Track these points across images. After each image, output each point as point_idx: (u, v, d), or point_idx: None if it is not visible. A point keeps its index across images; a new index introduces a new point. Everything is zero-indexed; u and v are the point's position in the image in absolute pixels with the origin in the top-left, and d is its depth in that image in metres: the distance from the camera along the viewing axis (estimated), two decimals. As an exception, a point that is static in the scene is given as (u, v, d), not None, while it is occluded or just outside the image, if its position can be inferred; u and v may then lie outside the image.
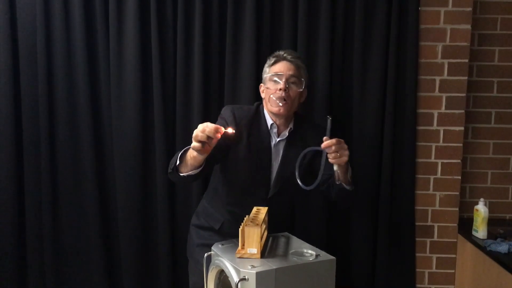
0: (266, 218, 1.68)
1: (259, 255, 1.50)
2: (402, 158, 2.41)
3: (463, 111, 2.40)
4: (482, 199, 2.33)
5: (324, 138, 1.65)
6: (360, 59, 2.32)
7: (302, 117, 2.03)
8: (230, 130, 1.60)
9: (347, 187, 1.77)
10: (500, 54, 2.51)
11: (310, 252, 1.54)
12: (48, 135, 2.38)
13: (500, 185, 2.60)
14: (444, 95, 2.39)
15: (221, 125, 1.56)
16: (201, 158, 1.60)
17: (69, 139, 2.40)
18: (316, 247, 1.61)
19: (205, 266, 1.63)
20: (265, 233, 1.67)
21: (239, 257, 1.50)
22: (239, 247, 1.54)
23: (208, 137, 1.51)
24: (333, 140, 1.63)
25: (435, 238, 2.47)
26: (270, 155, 1.91)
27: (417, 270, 2.49)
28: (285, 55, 1.90)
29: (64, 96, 2.37)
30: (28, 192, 2.42)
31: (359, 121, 2.37)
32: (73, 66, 2.36)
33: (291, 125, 1.94)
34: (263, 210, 1.68)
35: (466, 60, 2.37)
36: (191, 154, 1.62)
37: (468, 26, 2.34)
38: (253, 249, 1.50)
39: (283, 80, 1.85)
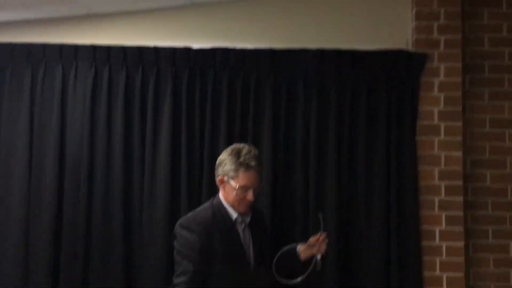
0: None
1: None
2: (409, 272, 2.59)
3: (462, 228, 2.63)
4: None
5: (321, 233, 2.17)
6: (364, 185, 2.63)
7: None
8: None
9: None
10: (491, 176, 2.78)
11: None
12: (85, 233, 2.61)
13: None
14: (443, 214, 2.64)
15: (196, 250, 1.94)
16: None
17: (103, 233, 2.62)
18: None
19: None
20: None
21: None
22: None
23: None
24: (326, 234, 2.18)
25: None
26: (242, 245, 2.10)
27: None
28: (253, 164, 2.04)
29: (101, 201, 2.64)
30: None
31: (365, 240, 2.61)
32: (111, 174, 2.66)
33: (250, 213, 2.15)
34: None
35: (461, 183, 2.66)
36: None
37: (460, 153, 2.67)
38: None
39: (251, 191, 2.05)
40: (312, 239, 2.23)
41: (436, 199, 2.66)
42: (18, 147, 2.67)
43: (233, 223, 2.10)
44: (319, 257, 2.18)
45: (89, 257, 2.61)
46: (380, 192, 2.61)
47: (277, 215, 2.62)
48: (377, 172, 2.63)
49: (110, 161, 2.67)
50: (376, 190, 2.62)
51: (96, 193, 2.65)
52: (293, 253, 2.26)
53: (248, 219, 2.14)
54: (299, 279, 2.17)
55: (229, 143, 2.54)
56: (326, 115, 2.66)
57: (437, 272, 2.63)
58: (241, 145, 2.13)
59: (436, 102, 2.69)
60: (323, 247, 2.19)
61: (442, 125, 2.68)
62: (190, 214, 2.15)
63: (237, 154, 2.06)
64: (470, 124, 2.79)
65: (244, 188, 2.04)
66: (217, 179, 2.13)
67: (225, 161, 2.08)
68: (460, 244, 2.64)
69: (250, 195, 2.05)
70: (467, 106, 2.79)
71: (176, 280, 1.98)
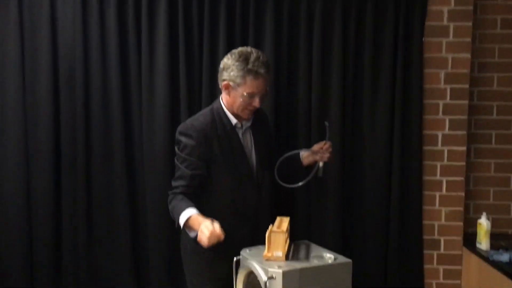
0: (289, 227, 1.87)
1: (284, 258, 1.69)
2: (409, 176, 2.60)
3: (465, 132, 2.60)
4: (484, 213, 2.51)
5: (325, 142, 2.16)
6: (370, 86, 2.55)
7: None
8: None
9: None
10: (498, 80, 2.71)
11: (329, 255, 1.73)
12: (83, 132, 2.58)
13: (502, 201, 2.77)
14: (447, 118, 2.60)
15: (194, 155, 1.95)
16: None
17: (103, 138, 2.60)
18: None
19: (234, 270, 1.82)
20: (288, 241, 1.86)
21: (266, 260, 1.70)
22: (266, 251, 1.73)
23: None
24: (330, 143, 2.17)
25: (442, 251, 2.65)
26: (243, 149, 2.08)
27: (426, 281, 2.65)
28: (262, 71, 1.93)
29: (98, 101, 2.58)
30: (65, 200, 2.63)
31: (369, 144, 2.59)
32: (108, 82, 2.58)
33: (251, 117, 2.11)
34: (286, 220, 1.88)
35: (467, 86, 2.58)
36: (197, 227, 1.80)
37: (468, 55, 2.57)
38: (279, 252, 1.69)
39: (258, 97, 1.97)
40: (315, 146, 2.22)
41: (441, 103, 2.60)
42: (10, 55, 2.57)
43: (232, 127, 2.06)
44: (321, 164, 2.18)
45: (90, 169, 2.62)
46: (385, 95, 2.55)
47: (280, 122, 2.58)
48: (383, 76, 2.54)
49: (106, 71, 2.58)
50: (381, 93, 2.55)
51: (93, 102, 2.59)
52: (296, 158, 2.25)
53: (248, 123, 2.11)
54: (300, 183, 2.19)
55: (229, 47, 2.45)
56: (331, 15, 2.52)
57: (437, 176, 2.64)
58: (248, 49, 1.98)
59: (446, 1, 2.54)
60: (327, 155, 2.18)
61: (451, 26, 2.56)
62: (188, 121, 2.08)
63: (245, 60, 1.93)
64: (480, 25, 2.67)
65: (251, 95, 1.97)
66: (222, 84, 2.02)
67: (231, 66, 1.95)
68: (462, 148, 2.62)
69: (256, 102, 1.99)
70: (478, 5, 2.66)
71: (175, 183, 2.00)
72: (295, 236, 1.96)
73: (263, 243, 1.75)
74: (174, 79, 2.57)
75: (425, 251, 2.65)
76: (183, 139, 2.01)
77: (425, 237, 2.65)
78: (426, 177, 2.63)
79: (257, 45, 2.49)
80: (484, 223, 2.47)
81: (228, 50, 2.34)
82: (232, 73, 1.95)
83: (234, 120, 2.06)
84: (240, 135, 2.08)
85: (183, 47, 2.54)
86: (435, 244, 2.65)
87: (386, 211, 2.60)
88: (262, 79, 1.96)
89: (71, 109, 2.60)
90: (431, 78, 2.59)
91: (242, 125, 2.09)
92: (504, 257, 2.27)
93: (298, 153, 2.25)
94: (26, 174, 2.61)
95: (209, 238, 1.72)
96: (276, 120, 2.56)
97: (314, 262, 1.68)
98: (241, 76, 1.93)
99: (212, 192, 2.06)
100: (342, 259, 1.72)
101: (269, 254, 1.71)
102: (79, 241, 2.63)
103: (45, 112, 2.58)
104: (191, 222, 1.85)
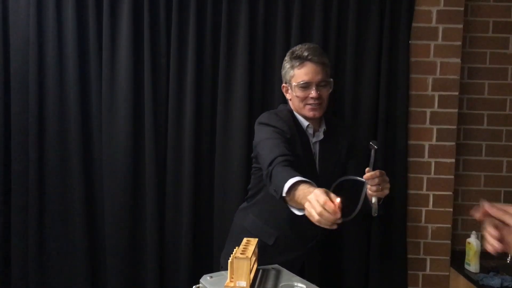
0: (256, 250, 1.65)
1: (248, 289, 1.47)
2: (393, 190, 2.38)
3: (454, 143, 2.41)
4: (474, 232, 2.32)
5: (367, 169, 1.55)
6: (352, 92, 2.34)
7: (331, 118, 2.03)
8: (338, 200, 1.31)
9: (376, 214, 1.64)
10: (489, 87, 2.54)
11: (300, 285, 1.51)
12: (37, 141, 2.38)
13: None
14: (435, 127, 2.41)
15: (277, 136, 1.71)
16: None
17: (58, 145, 2.41)
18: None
19: (193, 300, 1.59)
20: (255, 266, 1.64)
21: (228, 291, 1.47)
22: (228, 280, 1.51)
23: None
24: (377, 172, 1.52)
25: (427, 271, 2.45)
26: (313, 155, 1.86)
27: (410, 303, 2.46)
28: (309, 56, 1.79)
29: (54, 103, 2.39)
30: (15, 197, 2.42)
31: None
32: (65, 75, 2.39)
33: (323, 126, 1.90)
34: (253, 242, 1.65)
35: (456, 93, 2.40)
36: (305, 200, 1.38)
37: (458, 60, 2.38)
38: (242, 282, 1.47)
39: (313, 87, 1.79)
40: (367, 174, 1.57)
41: (428, 111, 2.41)
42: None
43: (303, 131, 1.85)
44: (373, 199, 1.60)
45: (43, 174, 2.42)
46: (368, 103, 2.34)
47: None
48: (366, 82, 2.34)
49: (62, 69, 2.39)
50: (364, 100, 2.35)
51: (48, 102, 2.40)
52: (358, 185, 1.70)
53: (319, 137, 1.88)
54: (344, 219, 1.50)
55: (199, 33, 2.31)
56: (310, 13, 2.32)
57: (424, 190, 2.44)
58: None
59: (435, 1, 2.36)
60: (374, 188, 1.57)
61: (440, 28, 2.36)
62: (267, 112, 1.90)
63: (291, 53, 1.86)
64: (471, 27, 2.49)
65: (303, 85, 1.79)
66: (283, 91, 1.94)
67: (283, 67, 1.89)
68: (451, 160, 2.43)
69: (312, 92, 1.78)
70: (469, 7, 2.49)
71: (266, 161, 1.64)
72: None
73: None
74: (138, 76, 2.36)
75: (410, 272, 2.45)
76: (266, 123, 1.80)
77: (410, 256, 2.45)
78: (411, 191, 2.43)
79: (231, 31, 2.32)
80: (473, 243, 2.28)
81: (198, 38, 2.29)
82: (284, 72, 1.88)
83: (305, 122, 1.86)
84: (310, 141, 1.87)
85: (148, 40, 2.32)
86: (421, 264, 2.45)
87: (367, 227, 2.39)
88: (311, 64, 1.79)
89: (23, 110, 2.39)
90: (418, 84, 2.39)
91: (314, 135, 1.88)
92: (495, 281, 2.07)
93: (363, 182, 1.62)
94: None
95: (320, 213, 1.28)
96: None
97: (283, 294, 1.47)
98: (289, 68, 1.84)
99: (272, 202, 1.76)
100: (314, 290, 1.50)
101: (231, 284, 1.48)
102: (29, 242, 2.41)
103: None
104: (298, 192, 1.44)
